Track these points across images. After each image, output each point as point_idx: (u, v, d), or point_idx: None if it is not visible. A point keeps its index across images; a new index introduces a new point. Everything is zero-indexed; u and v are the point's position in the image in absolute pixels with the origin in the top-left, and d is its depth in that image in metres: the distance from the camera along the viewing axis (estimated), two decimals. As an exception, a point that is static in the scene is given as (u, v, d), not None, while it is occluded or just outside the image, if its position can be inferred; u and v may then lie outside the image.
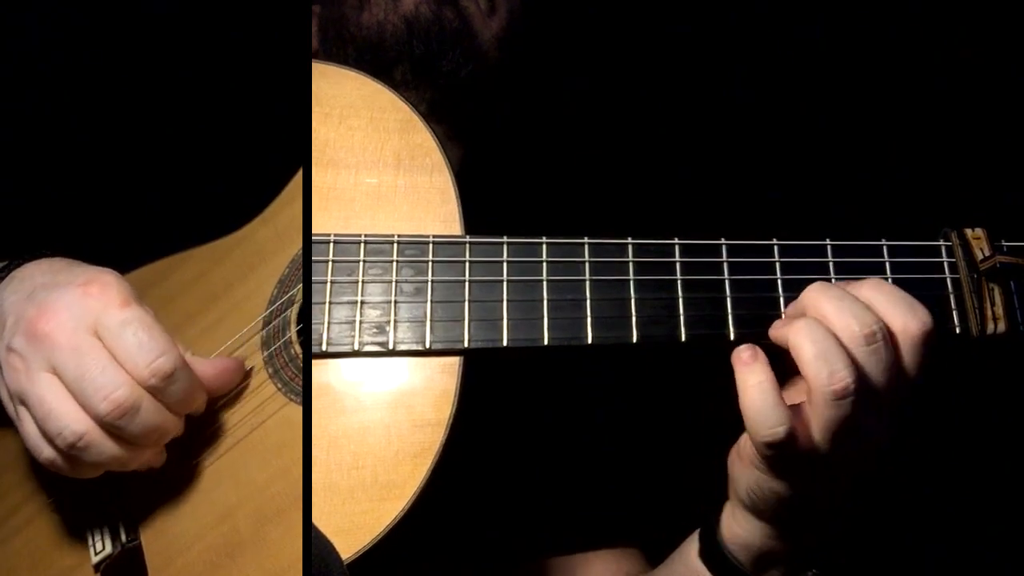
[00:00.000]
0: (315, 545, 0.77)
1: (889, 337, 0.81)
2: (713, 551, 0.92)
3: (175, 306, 0.98)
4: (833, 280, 0.90)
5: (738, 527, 0.90)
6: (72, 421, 0.84)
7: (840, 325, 0.81)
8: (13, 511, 1.00)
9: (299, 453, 0.86)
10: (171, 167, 1.13)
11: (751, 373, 0.81)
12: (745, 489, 0.87)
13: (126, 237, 1.09)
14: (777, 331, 0.85)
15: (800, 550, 0.91)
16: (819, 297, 0.84)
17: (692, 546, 0.95)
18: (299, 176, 0.98)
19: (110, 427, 0.84)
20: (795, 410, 0.81)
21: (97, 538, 0.94)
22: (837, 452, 0.81)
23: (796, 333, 0.81)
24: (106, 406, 0.83)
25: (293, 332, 0.93)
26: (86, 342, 0.84)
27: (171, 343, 0.86)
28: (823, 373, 0.79)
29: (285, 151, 0.99)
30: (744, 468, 0.86)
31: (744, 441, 0.85)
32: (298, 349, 0.92)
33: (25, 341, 0.85)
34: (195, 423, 0.90)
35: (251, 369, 0.93)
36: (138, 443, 0.86)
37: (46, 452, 0.86)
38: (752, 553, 0.90)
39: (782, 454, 0.81)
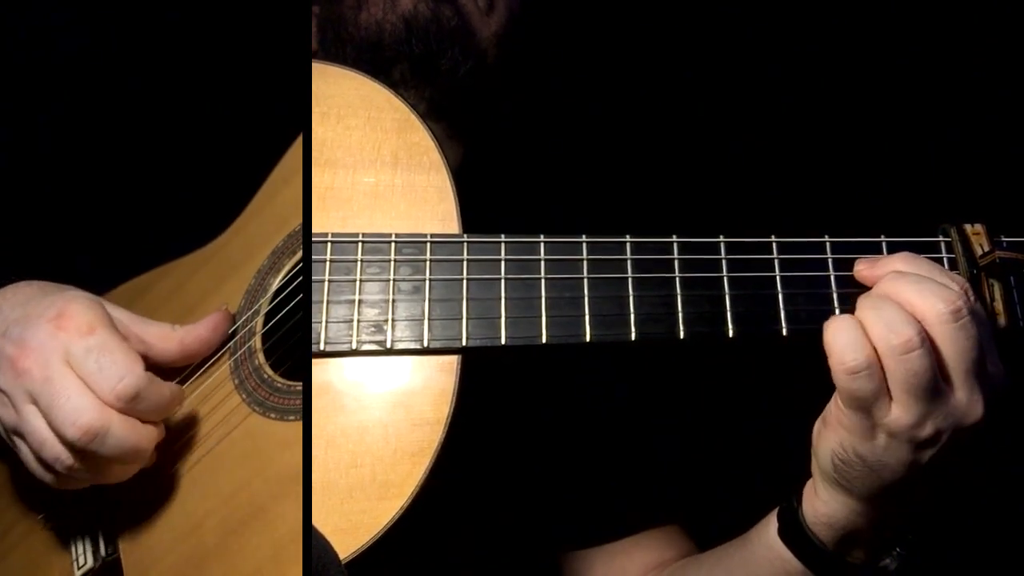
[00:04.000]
0: (313, 545, 0.77)
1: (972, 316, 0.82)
2: (794, 530, 0.90)
3: (157, 317, 0.98)
4: (832, 277, 0.90)
5: (822, 504, 0.88)
6: (63, 448, 0.87)
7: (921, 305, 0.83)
8: (7, 530, 1.02)
9: (264, 462, 0.87)
10: (171, 167, 1.14)
11: (834, 319, 0.84)
12: (830, 455, 0.85)
13: (126, 237, 1.09)
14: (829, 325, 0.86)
15: (885, 527, 0.89)
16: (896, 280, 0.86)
17: (769, 527, 0.93)
18: (267, 186, 0.99)
19: (83, 451, 0.86)
20: None
21: (80, 552, 0.96)
22: (918, 411, 0.81)
23: (859, 308, 0.84)
24: (73, 432, 0.85)
25: (258, 341, 0.93)
26: (57, 373, 0.87)
27: (133, 363, 0.88)
28: (881, 329, 0.81)
29: (284, 151, 0.99)
30: (830, 432, 0.85)
31: (829, 406, 0.85)
32: (262, 359, 0.92)
33: (8, 379, 0.89)
34: (168, 435, 0.91)
35: (235, 313, 0.95)
36: (118, 461, 0.88)
37: (48, 477, 0.89)
38: (836, 531, 0.88)
39: (865, 397, 0.81)
